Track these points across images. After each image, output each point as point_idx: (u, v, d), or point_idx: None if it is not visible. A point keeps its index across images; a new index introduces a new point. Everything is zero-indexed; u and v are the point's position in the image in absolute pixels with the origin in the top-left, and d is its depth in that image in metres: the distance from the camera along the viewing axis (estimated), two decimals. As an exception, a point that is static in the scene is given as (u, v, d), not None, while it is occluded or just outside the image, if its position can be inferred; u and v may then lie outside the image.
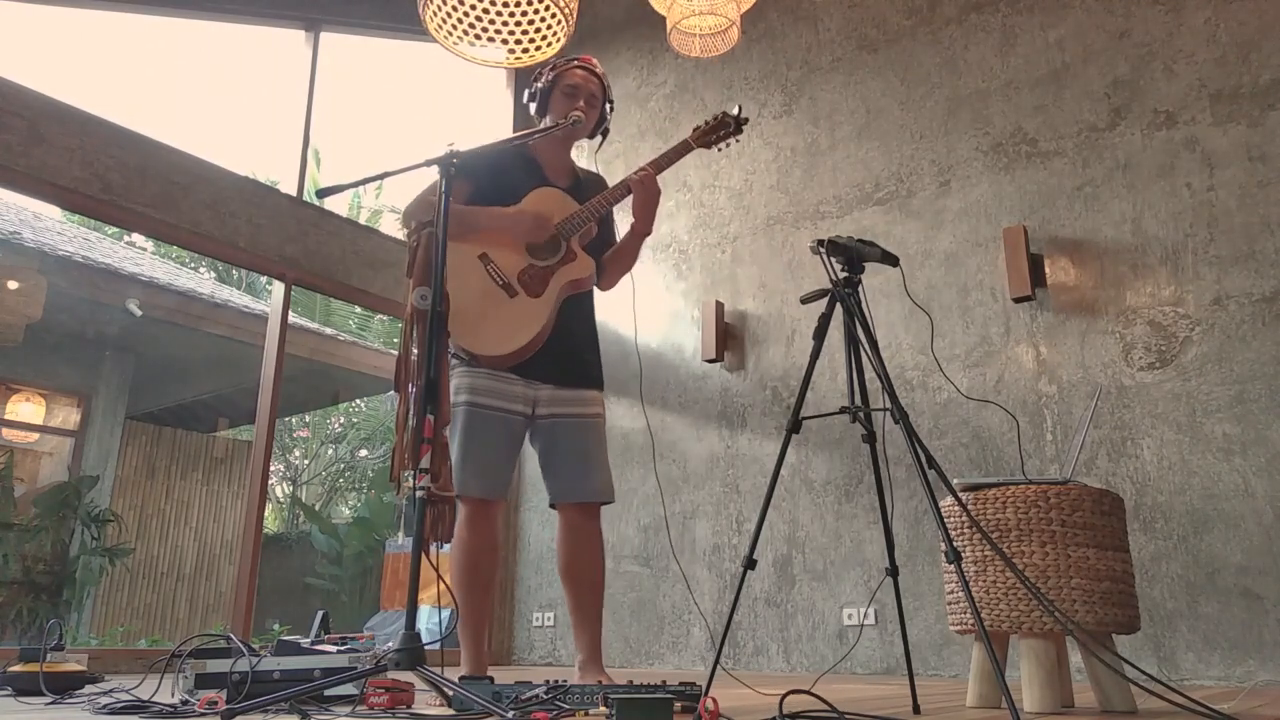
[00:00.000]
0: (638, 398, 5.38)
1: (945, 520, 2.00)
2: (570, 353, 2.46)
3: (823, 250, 2.13)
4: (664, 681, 1.83)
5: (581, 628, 2.41)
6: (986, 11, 4.60)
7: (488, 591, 2.35)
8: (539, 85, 2.56)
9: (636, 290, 5.51)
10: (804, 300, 2.22)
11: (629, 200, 2.51)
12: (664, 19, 3.54)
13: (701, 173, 5.47)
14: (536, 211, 2.41)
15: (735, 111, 2.53)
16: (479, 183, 2.45)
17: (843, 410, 2.05)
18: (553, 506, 2.47)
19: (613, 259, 2.61)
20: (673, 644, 4.84)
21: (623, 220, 2.55)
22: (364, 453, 12.80)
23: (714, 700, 1.56)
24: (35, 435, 7.65)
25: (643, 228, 2.52)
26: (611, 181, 5.70)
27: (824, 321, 2.08)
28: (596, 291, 2.62)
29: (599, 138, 2.67)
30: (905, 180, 4.66)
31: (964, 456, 4.15)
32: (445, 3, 2.83)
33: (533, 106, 2.59)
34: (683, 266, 5.40)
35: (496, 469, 2.33)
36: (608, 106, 2.63)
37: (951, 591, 2.19)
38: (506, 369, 2.37)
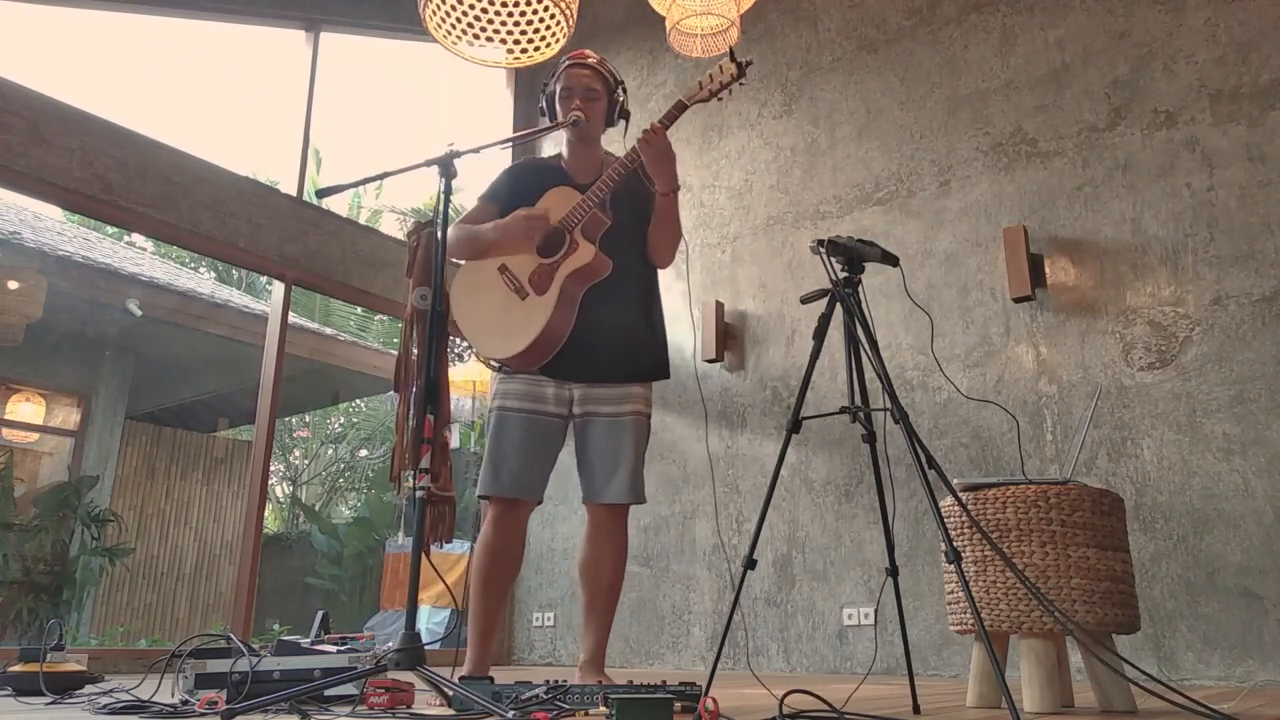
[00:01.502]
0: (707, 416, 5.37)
1: (945, 520, 2.00)
2: (599, 348, 2.42)
3: (823, 250, 2.13)
4: (664, 681, 1.83)
5: (589, 628, 2.41)
6: (986, 11, 4.60)
7: (503, 593, 2.37)
8: (545, 95, 2.57)
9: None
10: (804, 300, 2.22)
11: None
12: (664, 19, 3.54)
13: (701, 173, 5.47)
14: (527, 211, 2.38)
15: (730, 55, 2.37)
16: (502, 203, 2.49)
17: (843, 410, 2.05)
18: (586, 505, 2.47)
19: (653, 231, 2.52)
20: (673, 644, 4.84)
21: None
22: (364, 453, 12.80)
23: (714, 700, 1.56)
24: (35, 435, 7.65)
25: (665, 186, 2.41)
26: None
27: (824, 321, 2.08)
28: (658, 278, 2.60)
29: (623, 123, 2.62)
30: (905, 180, 4.66)
31: (964, 456, 4.15)
32: (445, 2, 2.83)
33: (545, 120, 2.60)
34: (682, 266, 5.40)
35: (517, 468, 2.34)
36: (620, 91, 2.58)
37: (951, 591, 2.19)
38: (537, 371, 2.39)
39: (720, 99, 2.41)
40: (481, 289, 2.40)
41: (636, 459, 2.42)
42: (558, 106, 2.53)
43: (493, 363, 2.40)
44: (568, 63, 2.55)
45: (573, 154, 2.60)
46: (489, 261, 2.42)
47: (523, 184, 2.52)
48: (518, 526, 2.37)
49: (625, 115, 2.61)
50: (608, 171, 2.40)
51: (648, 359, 2.52)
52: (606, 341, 2.43)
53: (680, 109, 2.39)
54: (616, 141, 2.95)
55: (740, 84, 2.39)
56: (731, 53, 2.38)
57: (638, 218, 2.51)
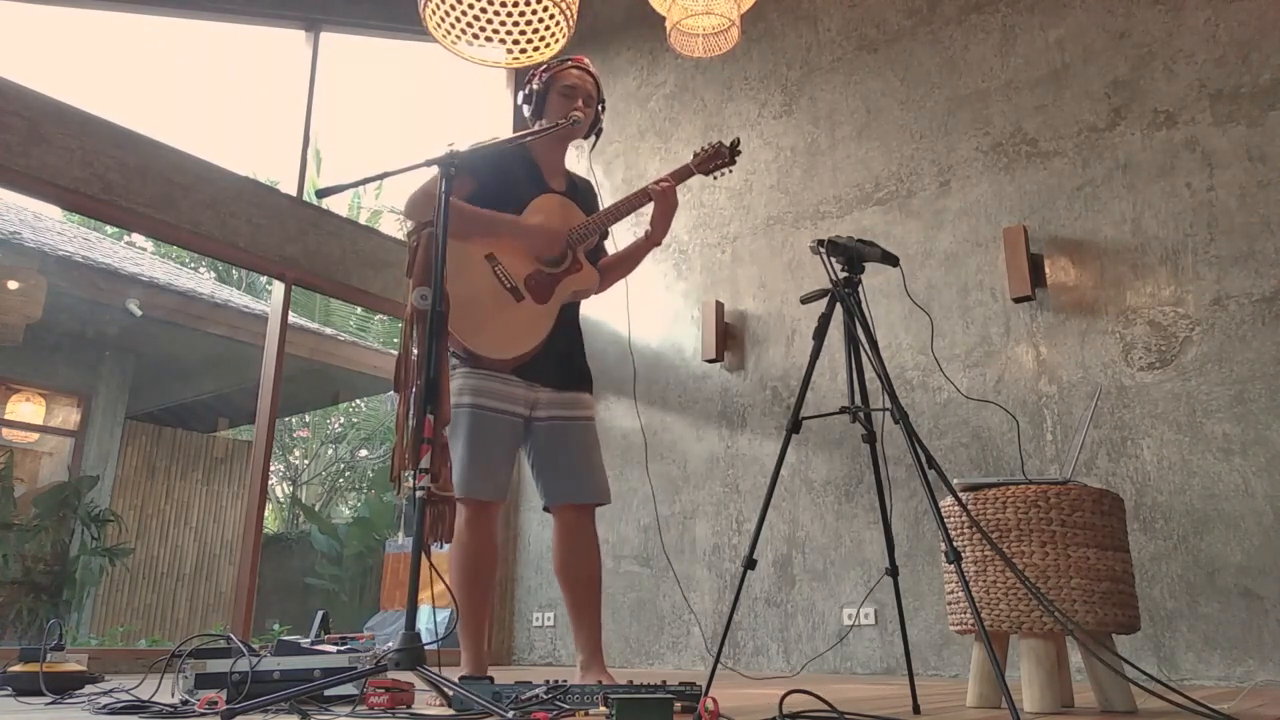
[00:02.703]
0: (636, 397, 5.37)
1: (945, 520, 2.00)
2: (566, 356, 2.49)
3: (823, 250, 2.13)
4: (664, 681, 1.83)
5: (580, 628, 2.41)
6: (986, 11, 4.60)
7: (487, 592, 2.36)
8: (533, 87, 2.56)
9: (636, 290, 5.51)
10: (804, 300, 2.22)
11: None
12: (664, 19, 3.54)
13: (701, 173, 5.46)
14: (551, 228, 2.43)
15: (730, 141, 2.61)
16: (481, 180, 2.45)
17: (843, 410, 2.05)
18: (547, 510, 2.48)
19: (616, 265, 2.63)
20: (673, 644, 4.84)
21: (622, 230, 2.56)
22: (364, 453, 12.80)
23: (714, 700, 1.56)
24: (35, 435, 7.65)
25: (659, 237, 2.56)
26: (607, 189, 5.71)
27: (824, 321, 2.08)
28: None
29: (593, 138, 2.66)
30: (905, 180, 4.66)
31: (964, 456, 4.15)
32: (445, 2, 2.83)
33: (527, 109, 2.59)
34: (683, 266, 5.40)
35: (499, 471, 2.34)
36: (600, 107, 2.62)
37: (951, 591, 2.19)
38: (508, 371, 2.37)
39: (715, 177, 2.66)
40: (464, 275, 2.32)
41: (601, 460, 2.50)
42: (554, 100, 2.52)
43: (459, 352, 2.35)
44: (570, 63, 2.56)
45: (547, 154, 2.59)
46: (473, 245, 2.37)
47: (505, 172, 2.49)
48: (493, 527, 2.36)
49: (598, 132, 2.66)
50: (621, 202, 2.50)
51: (588, 370, 2.59)
52: (569, 350, 2.50)
53: (688, 174, 2.57)
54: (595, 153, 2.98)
55: (730, 170, 2.63)
56: (737, 142, 2.61)
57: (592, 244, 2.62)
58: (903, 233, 4.59)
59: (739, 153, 2.60)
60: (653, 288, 5.49)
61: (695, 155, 2.58)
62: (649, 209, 2.55)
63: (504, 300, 2.35)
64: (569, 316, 2.52)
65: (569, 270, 2.43)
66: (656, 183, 2.50)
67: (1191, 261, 3.81)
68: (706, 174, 2.59)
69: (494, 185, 2.45)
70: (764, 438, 4.82)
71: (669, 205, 2.51)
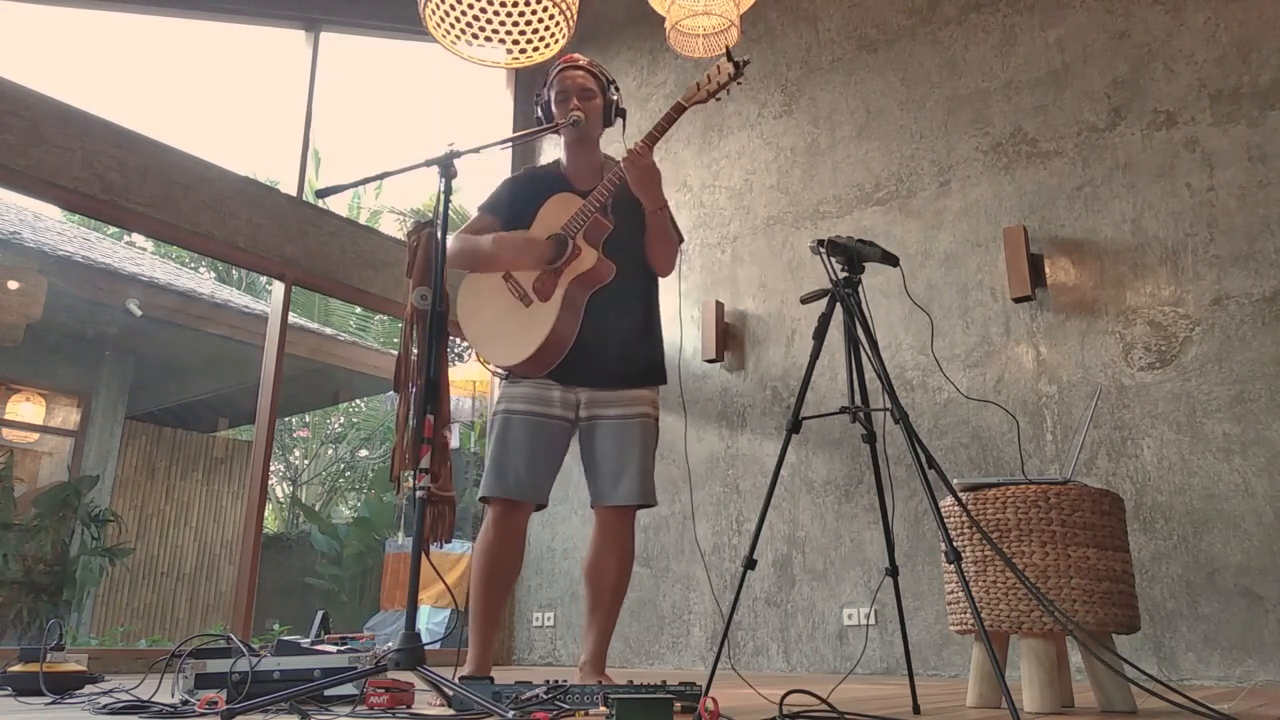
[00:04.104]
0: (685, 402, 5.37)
1: (945, 520, 2.00)
2: (605, 352, 2.42)
3: (822, 250, 2.13)
4: (664, 681, 1.83)
5: (591, 628, 2.41)
6: (986, 11, 4.60)
7: (503, 594, 2.38)
8: (540, 104, 2.57)
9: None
10: (804, 300, 2.22)
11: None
12: (664, 19, 3.54)
13: (701, 173, 5.47)
14: (526, 236, 2.41)
15: (727, 55, 2.37)
16: (504, 217, 2.50)
17: (843, 410, 2.05)
18: (593, 507, 2.47)
19: (648, 244, 2.53)
20: (673, 644, 4.84)
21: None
22: (364, 453, 12.80)
23: (714, 700, 1.56)
24: (35, 435, 7.65)
25: (651, 204, 2.42)
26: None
27: (824, 321, 2.08)
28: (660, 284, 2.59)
29: (619, 121, 2.62)
30: (905, 180, 4.66)
31: (964, 456, 4.15)
32: (444, 2, 2.84)
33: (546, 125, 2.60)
34: (683, 267, 5.40)
35: (521, 471, 2.34)
36: (612, 89, 2.58)
37: (951, 591, 2.19)
38: (543, 376, 2.39)
39: (719, 99, 2.42)
40: (485, 296, 2.42)
41: (645, 461, 2.42)
42: (554, 110, 2.53)
43: (499, 370, 2.41)
44: (560, 67, 2.56)
45: (573, 158, 2.59)
46: (495, 270, 2.44)
47: (523, 194, 2.52)
48: (517, 529, 2.37)
49: (621, 114, 2.61)
50: (607, 177, 2.40)
51: (649, 363, 2.52)
52: (612, 346, 2.44)
53: (679, 111, 2.38)
54: (616, 141, 2.95)
55: (739, 83, 2.39)
56: (729, 52, 2.37)
57: (638, 224, 2.49)
58: (903, 233, 4.59)
59: (747, 63, 2.37)
60: (653, 288, 5.48)
61: (687, 91, 2.40)
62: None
63: (516, 310, 2.39)
64: (613, 310, 2.43)
65: (569, 259, 2.40)
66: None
67: (1191, 261, 3.81)
68: (707, 100, 2.40)
69: (515, 216, 2.48)
70: (764, 438, 4.82)
71: (640, 171, 2.34)
